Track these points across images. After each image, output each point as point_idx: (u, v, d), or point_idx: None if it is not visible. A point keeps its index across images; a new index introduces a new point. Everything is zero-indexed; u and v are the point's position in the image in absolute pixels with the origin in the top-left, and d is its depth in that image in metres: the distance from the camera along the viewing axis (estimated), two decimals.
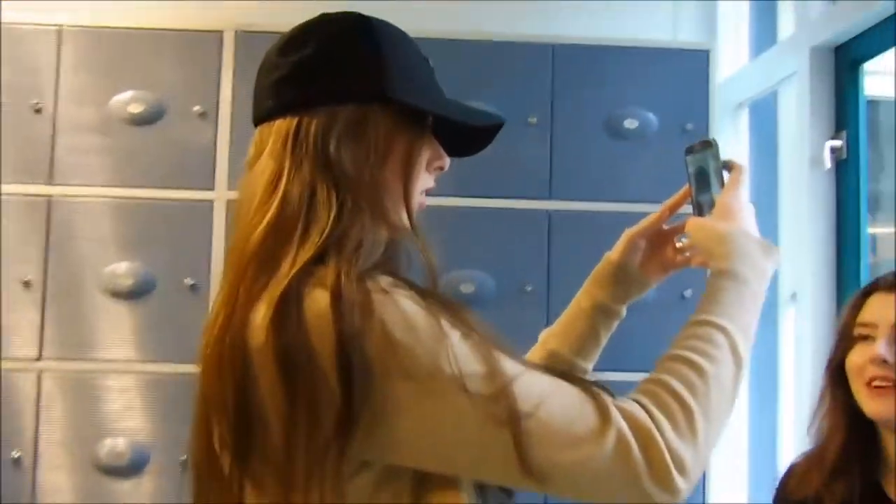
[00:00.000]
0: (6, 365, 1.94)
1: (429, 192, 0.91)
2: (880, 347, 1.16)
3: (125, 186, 2.01)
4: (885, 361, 1.15)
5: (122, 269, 1.99)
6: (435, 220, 2.24)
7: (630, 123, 2.06)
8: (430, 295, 0.79)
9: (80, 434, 1.95)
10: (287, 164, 0.83)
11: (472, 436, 0.74)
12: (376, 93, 0.85)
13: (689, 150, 1.03)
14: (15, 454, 1.93)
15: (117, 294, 1.99)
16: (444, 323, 0.76)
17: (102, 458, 1.95)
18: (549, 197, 2.07)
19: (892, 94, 2.02)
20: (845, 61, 2.00)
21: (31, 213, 1.97)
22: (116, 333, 1.99)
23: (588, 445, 0.75)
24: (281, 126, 0.85)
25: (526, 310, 2.03)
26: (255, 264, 0.80)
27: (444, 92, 0.92)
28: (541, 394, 0.76)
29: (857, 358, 1.20)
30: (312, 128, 0.83)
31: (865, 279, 1.95)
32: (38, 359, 1.96)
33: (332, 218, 0.80)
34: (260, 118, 0.88)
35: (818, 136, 2.01)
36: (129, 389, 1.98)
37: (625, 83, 2.07)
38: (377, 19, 0.89)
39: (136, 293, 1.99)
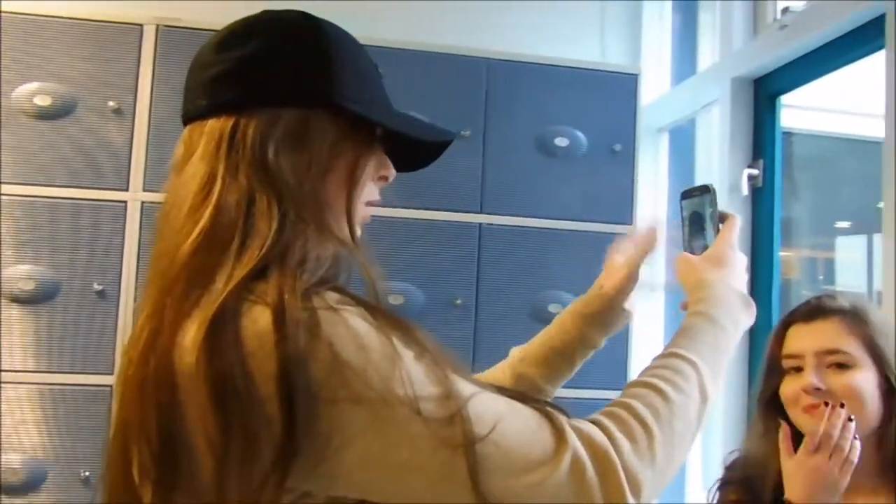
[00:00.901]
0: None
1: (373, 204, 0.84)
2: (810, 377, 1.20)
3: (28, 184, 1.83)
4: (817, 389, 1.18)
5: (23, 273, 1.82)
6: (364, 230, 2.17)
7: (561, 141, 2.04)
8: (380, 312, 0.72)
9: None
10: (221, 169, 0.75)
11: (426, 462, 0.68)
12: (323, 97, 0.78)
13: (686, 195, 1.01)
14: None
15: (16, 299, 1.81)
16: (397, 342, 0.69)
17: None
18: (480, 210, 2.02)
19: (807, 127, 2.09)
20: (764, 93, 2.05)
21: None
22: (14, 341, 1.82)
23: (543, 468, 0.70)
24: (214, 127, 0.76)
25: (454, 323, 1.98)
26: (186, 278, 0.71)
27: (391, 102, 0.85)
28: (496, 416, 0.70)
29: (790, 389, 1.23)
30: (250, 130, 0.75)
31: (776, 299, 2.00)
32: None
33: (273, 230, 0.72)
34: (191, 117, 0.79)
35: (736, 163, 2.05)
36: (25, 402, 1.81)
37: (557, 101, 2.05)
38: (325, 20, 0.81)
39: (37, 298, 1.82)
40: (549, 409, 0.74)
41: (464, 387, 0.70)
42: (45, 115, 1.84)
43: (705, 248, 0.97)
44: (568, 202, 2.04)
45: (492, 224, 2.02)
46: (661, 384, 0.79)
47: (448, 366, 0.71)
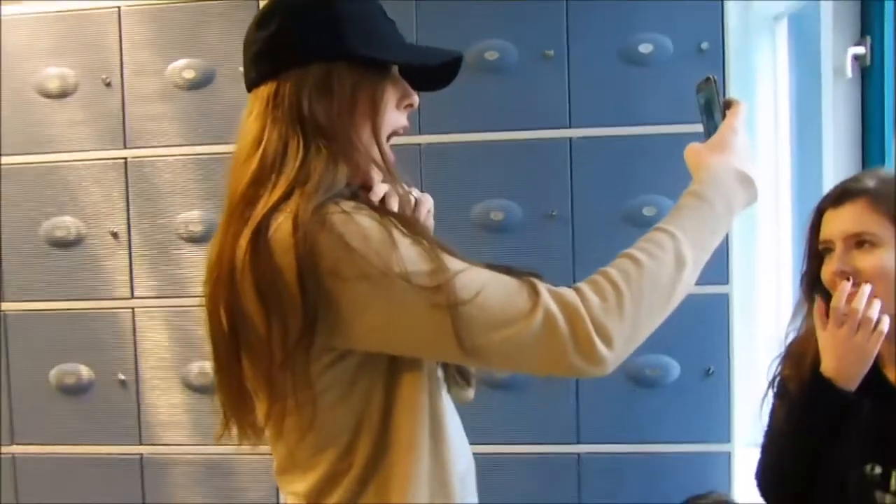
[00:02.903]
0: (106, 304, 2.23)
1: (402, 131, 1.01)
2: (837, 262, 1.23)
3: (189, 144, 2.20)
4: (843, 272, 1.22)
5: (195, 217, 2.21)
6: (464, 154, 2.32)
7: (645, 48, 2.03)
8: (386, 212, 0.92)
9: (173, 359, 2.23)
10: (267, 124, 0.95)
11: (419, 322, 0.87)
12: (338, 51, 0.95)
13: (698, 88, 1.09)
14: (121, 377, 2.23)
15: (192, 238, 2.21)
16: (396, 232, 0.88)
17: (193, 378, 2.22)
18: (570, 125, 2.09)
19: None
20: None
21: (111, 174, 2.21)
22: (195, 272, 2.22)
23: (518, 324, 0.86)
24: (262, 91, 0.96)
25: (552, 234, 2.09)
26: (242, 206, 0.93)
27: (404, 39, 1.01)
28: (480, 285, 0.87)
29: (826, 271, 1.27)
30: (287, 90, 0.94)
31: None
32: (131, 297, 2.23)
33: (297, 164, 0.92)
34: (248, 87, 1.00)
35: (842, 44, 1.91)
36: None
37: (638, 10, 2.03)
38: None
39: (207, 237, 2.21)
40: (529, 277, 0.90)
41: (454, 264, 0.88)
42: (193, 85, 2.19)
43: (717, 131, 1.03)
44: (657, 107, 2.03)
45: (581, 137, 2.08)
46: (637, 253, 0.91)
47: (441, 249, 0.89)
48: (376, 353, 0.92)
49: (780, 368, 1.37)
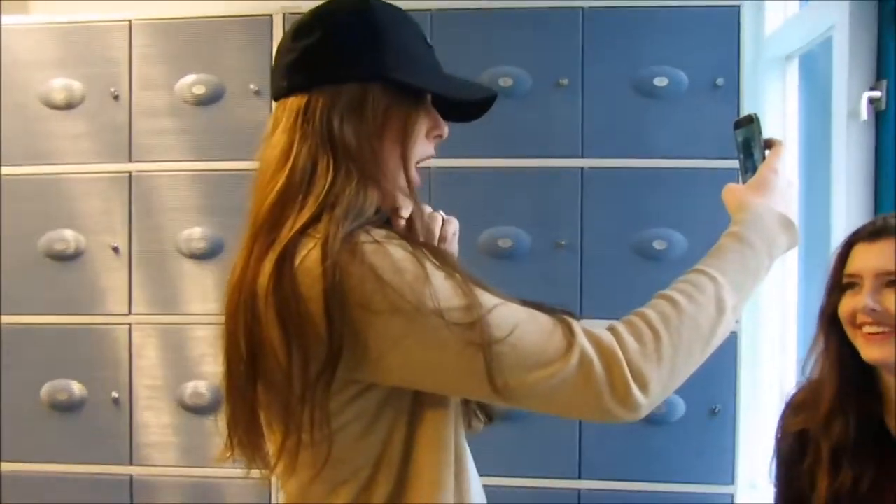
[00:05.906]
0: (102, 319, 2.17)
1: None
2: (867, 298, 1.18)
3: (195, 160, 2.16)
4: (873, 310, 1.17)
5: (197, 234, 2.16)
6: (475, 180, 2.27)
7: (660, 81, 2.02)
8: (418, 244, 0.87)
9: (167, 378, 2.17)
10: (296, 139, 0.90)
11: (451, 359, 0.82)
12: (374, 73, 0.91)
13: (737, 125, 1.06)
14: (114, 395, 2.16)
15: (193, 255, 2.16)
16: (429, 265, 0.84)
17: (187, 398, 2.16)
18: (581, 155, 2.06)
19: None
20: (888, 8, 1.87)
21: (114, 188, 2.16)
22: (195, 289, 2.17)
23: (553, 365, 0.81)
24: (292, 104, 0.92)
25: (560, 263, 2.06)
26: (266, 227, 0.89)
27: (441, 68, 0.97)
28: (514, 322, 0.82)
29: (846, 306, 1.22)
30: (318, 105, 0.90)
31: None
32: (128, 314, 2.17)
33: (327, 186, 0.88)
34: (276, 96, 0.95)
35: (856, 87, 1.90)
36: (207, 338, 2.16)
37: (654, 43, 2.01)
38: (379, 2, 0.94)
39: (209, 254, 2.16)
40: (563, 315, 0.85)
41: (488, 299, 0.84)
42: (202, 101, 2.15)
43: (756, 171, 1.00)
44: (669, 141, 2.02)
45: (593, 167, 2.05)
46: (676, 295, 0.87)
47: (475, 283, 0.85)
48: (401, 388, 0.88)
49: (786, 418, 1.31)
